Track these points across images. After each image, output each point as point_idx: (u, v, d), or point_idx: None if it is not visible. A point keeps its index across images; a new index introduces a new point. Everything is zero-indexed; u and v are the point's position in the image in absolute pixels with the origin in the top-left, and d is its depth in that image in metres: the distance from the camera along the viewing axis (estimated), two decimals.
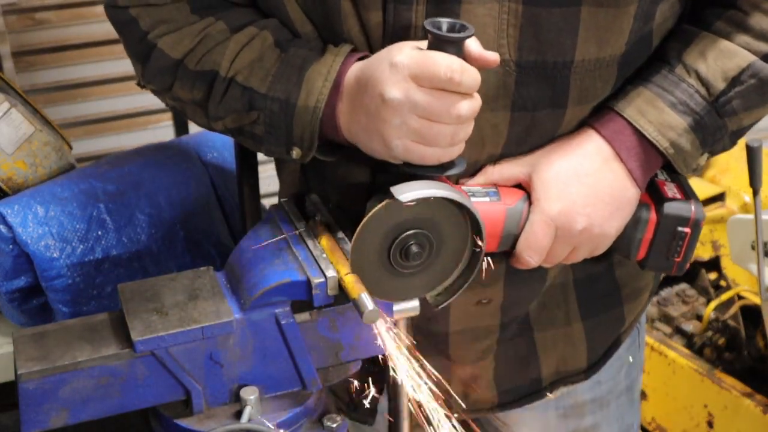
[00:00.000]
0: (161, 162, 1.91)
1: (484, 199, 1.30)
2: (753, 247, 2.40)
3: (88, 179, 1.83)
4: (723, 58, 1.29)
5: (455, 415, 1.54)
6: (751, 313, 2.73)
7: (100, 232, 1.78)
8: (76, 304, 1.76)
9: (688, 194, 1.35)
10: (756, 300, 2.69)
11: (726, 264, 2.95)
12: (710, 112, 1.30)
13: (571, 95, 1.29)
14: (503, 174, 1.32)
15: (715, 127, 1.31)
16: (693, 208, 1.33)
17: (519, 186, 1.33)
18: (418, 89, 1.13)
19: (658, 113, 1.29)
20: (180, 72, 1.31)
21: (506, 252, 1.34)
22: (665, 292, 2.92)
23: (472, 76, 1.13)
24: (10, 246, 1.74)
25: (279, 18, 1.31)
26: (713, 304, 2.79)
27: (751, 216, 2.38)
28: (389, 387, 1.48)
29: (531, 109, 1.28)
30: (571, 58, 1.25)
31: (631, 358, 1.63)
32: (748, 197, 2.93)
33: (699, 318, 2.85)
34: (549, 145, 1.32)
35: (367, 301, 1.14)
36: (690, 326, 2.84)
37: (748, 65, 1.29)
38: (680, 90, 1.30)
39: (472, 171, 1.33)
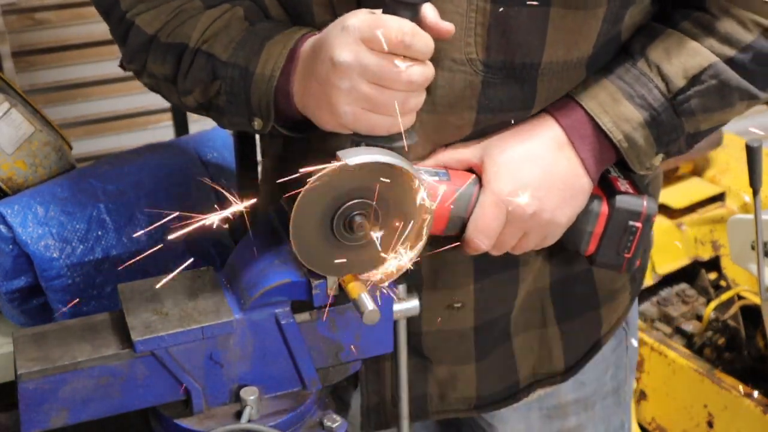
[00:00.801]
0: (161, 162, 1.91)
1: (433, 178, 1.27)
2: (753, 247, 2.40)
3: (88, 179, 1.83)
4: (686, 56, 1.29)
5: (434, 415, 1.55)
6: (751, 313, 2.72)
7: (100, 232, 1.78)
8: (76, 304, 1.76)
9: (640, 191, 1.34)
10: (756, 300, 2.69)
11: (726, 264, 2.95)
12: (667, 109, 1.29)
13: (539, 97, 1.28)
14: (454, 157, 1.30)
15: (672, 126, 1.30)
16: (645, 203, 1.32)
17: (471, 171, 1.31)
18: (369, 52, 1.10)
19: (616, 105, 1.28)
20: (153, 46, 1.31)
21: (456, 237, 1.31)
22: (665, 292, 2.92)
23: (423, 41, 1.10)
24: (10, 246, 1.74)
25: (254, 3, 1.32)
26: (713, 304, 2.79)
27: (751, 216, 2.38)
28: (362, 382, 1.47)
29: (497, 111, 1.28)
30: (539, 59, 1.24)
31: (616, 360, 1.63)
32: (748, 197, 2.92)
33: (699, 318, 2.85)
34: (503, 130, 1.30)
35: (367, 301, 1.14)
36: (690, 326, 2.84)
37: (710, 65, 1.28)
38: (640, 84, 1.29)
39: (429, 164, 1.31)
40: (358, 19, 1.11)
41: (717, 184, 3.07)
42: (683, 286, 2.95)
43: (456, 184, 1.27)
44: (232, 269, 1.25)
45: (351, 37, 1.10)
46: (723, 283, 2.96)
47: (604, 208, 1.33)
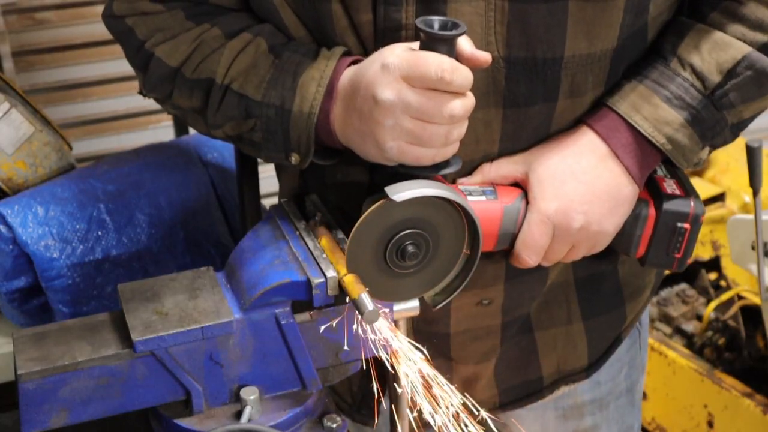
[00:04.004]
0: (161, 162, 1.91)
1: (481, 197, 1.29)
2: (753, 247, 2.40)
3: (88, 179, 1.84)
4: (718, 51, 1.28)
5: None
6: (751, 313, 2.72)
7: (100, 233, 1.78)
8: (76, 304, 1.76)
9: (687, 190, 1.35)
10: (756, 300, 2.69)
11: (726, 264, 2.95)
12: (707, 106, 1.29)
13: (562, 89, 1.28)
14: (500, 172, 1.32)
15: (714, 120, 1.30)
16: (692, 203, 1.33)
17: (516, 184, 1.33)
18: (410, 90, 1.12)
19: (653, 109, 1.29)
20: (178, 80, 1.32)
21: (505, 251, 1.34)
22: (665, 292, 2.92)
23: (463, 75, 1.12)
24: (10, 246, 1.74)
25: (273, 23, 1.31)
26: (713, 304, 2.79)
27: (751, 216, 2.38)
28: (390, 388, 1.48)
29: (523, 105, 1.28)
30: (561, 53, 1.25)
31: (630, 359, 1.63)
32: (748, 197, 2.93)
33: (699, 318, 2.85)
34: (545, 143, 1.32)
35: (367, 302, 1.14)
36: (690, 326, 2.84)
37: (744, 57, 1.28)
38: (675, 84, 1.29)
39: (469, 170, 1.33)
40: (397, 56, 1.13)
41: (717, 184, 3.07)
42: (683, 286, 2.95)
43: (503, 201, 1.30)
44: (232, 269, 1.25)
45: (392, 76, 1.13)
46: (723, 283, 2.96)
47: (651, 212, 1.34)
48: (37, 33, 3.05)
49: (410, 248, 1.20)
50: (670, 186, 1.35)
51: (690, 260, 2.97)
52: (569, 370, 1.55)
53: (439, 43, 1.12)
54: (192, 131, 2.65)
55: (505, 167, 1.32)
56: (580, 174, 1.29)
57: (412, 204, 1.17)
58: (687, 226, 1.33)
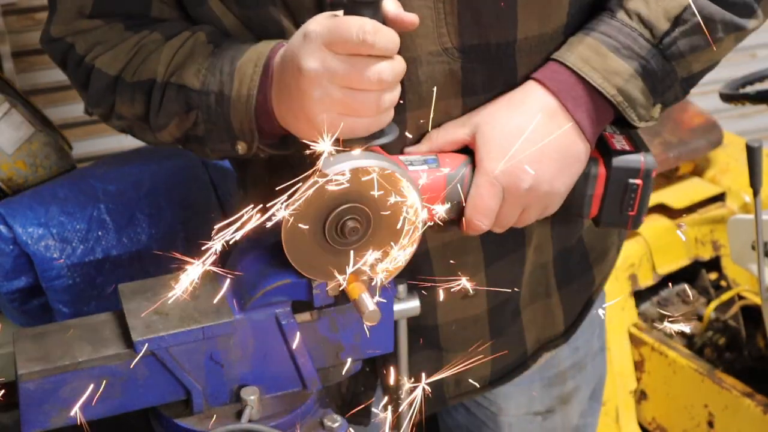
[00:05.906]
0: (161, 162, 1.91)
1: (422, 167, 1.25)
2: (753, 247, 2.40)
3: (88, 179, 1.84)
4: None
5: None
6: (751, 313, 2.73)
7: (100, 233, 1.78)
8: (76, 304, 1.76)
9: (637, 145, 1.31)
10: (756, 300, 2.69)
11: (726, 264, 2.95)
12: (656, 56, 1.27)
13: (520, 73, 1.28)
14: (447, 138, 1.29)
15: (664, 72, 1.28)
16: (642, 158, 1.29)
17: (466, 148, 1.29)
18: (334, 56, 1.08)
19: (602, 59, 1.26)
20: (119, 87, 1.30)
21: (455, 221, 1.30)
22: (665, 292, 2.92)
23: (387, 37, 1.08)
24: (11, 246, 1.74)
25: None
26: (713, 304, 2.80)
27: (751, 216, 2.38)
28: (384, 387, 1.48)
29: (481, 92, 1.27)
30: (514, 37, 1.24)
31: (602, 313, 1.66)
32: (748, 197, 2.93)
33: (699, 318, 2.86)
34: (493, 102, 1.28)
35: (368, 302, 1.14)
36: (690, 326, 2.84)
37: (690, 2, 1.25)
38: (623, 34, 1.27)
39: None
40: (319, 24, 1.10)
41: (717, 184, 3.07)
42: (683, 286, 2.95)
43: (446, 169, 1.26)
44: (232, 269, 1.24)
45: (314, 44, 1.09)
46: (723, 283, 2.96)
47: (601, 170, 1.30)
48: (37, 33, 3.02)
49: (350, 223, 1.15)
50: (619, 142, 1.32)
51: (690, 260, 2.99)
52: (548, 337, 1.57)
53: (361, 6, 1.08)
54: None
55: (452, 131, 1.28)
56: (529, 132, 1.25)
57: (350, 177, 1.12)
58: (639, 182, 1.29)
